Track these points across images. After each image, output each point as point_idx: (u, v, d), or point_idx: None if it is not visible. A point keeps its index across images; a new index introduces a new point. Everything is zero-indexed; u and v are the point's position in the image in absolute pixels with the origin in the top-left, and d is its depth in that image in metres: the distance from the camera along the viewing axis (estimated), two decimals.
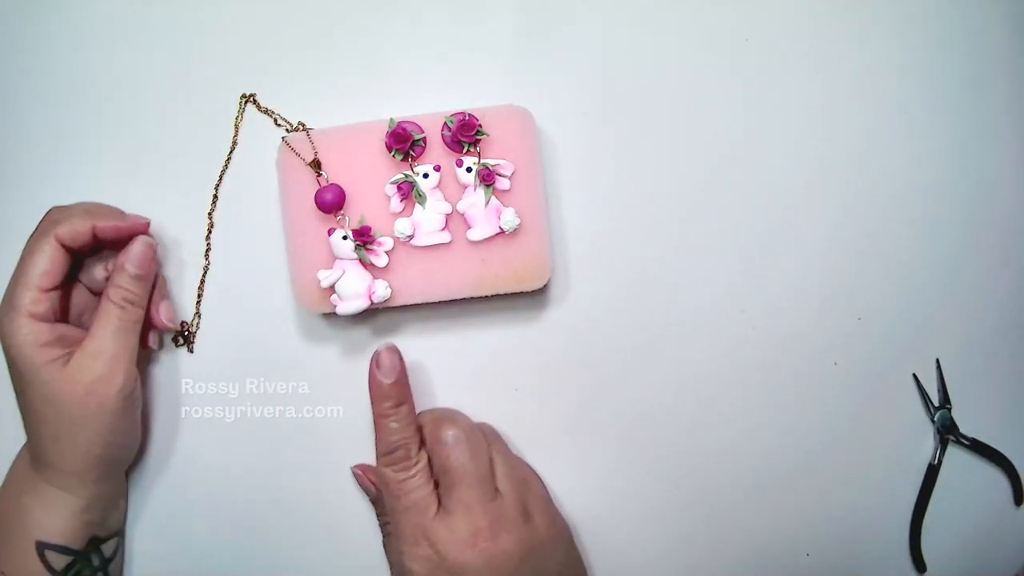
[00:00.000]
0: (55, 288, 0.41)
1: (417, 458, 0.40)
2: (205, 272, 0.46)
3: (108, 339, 0.41)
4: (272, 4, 0.47)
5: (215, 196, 0.46)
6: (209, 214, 0.46)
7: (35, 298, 0.40)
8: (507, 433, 0.45)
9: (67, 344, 0.41)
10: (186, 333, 0.46)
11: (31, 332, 0.40)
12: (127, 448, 0.43)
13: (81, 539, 0.42)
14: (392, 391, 0.41)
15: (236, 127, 0.46)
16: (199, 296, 0.46)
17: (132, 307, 0.42)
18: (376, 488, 0.44)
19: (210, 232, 0.46)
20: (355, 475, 0.45)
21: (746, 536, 0.46)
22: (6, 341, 0.40)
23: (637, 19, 0.46)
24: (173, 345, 0.46)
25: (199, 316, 0.46)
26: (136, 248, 0.42)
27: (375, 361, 0.41)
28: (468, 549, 0.38)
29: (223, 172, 0.46)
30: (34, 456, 0.42)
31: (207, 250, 0.46)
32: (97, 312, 0.41)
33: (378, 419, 0.41)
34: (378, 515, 0.44)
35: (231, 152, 0.46)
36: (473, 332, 0.46)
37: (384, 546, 0.44)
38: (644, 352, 0.46)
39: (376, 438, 0.41)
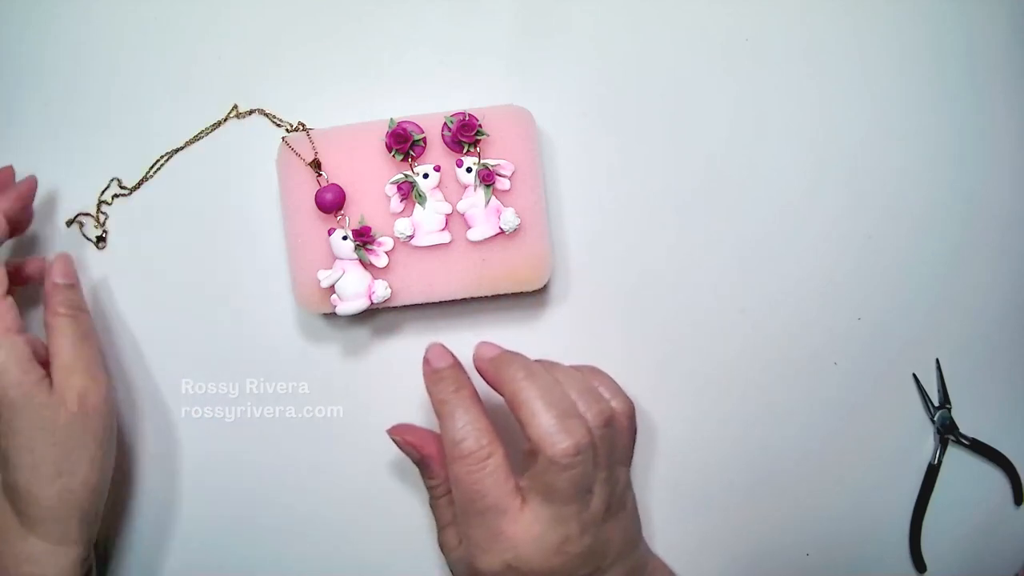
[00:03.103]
0: (8, 292, 0.40)
1: (490, 450, 0.36)
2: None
3: (74, 349, 0.39)
4: (273, 4, 0.47)
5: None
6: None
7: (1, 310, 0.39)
8: (507, 432, 0.45)
9: (41, 357, 0.39)
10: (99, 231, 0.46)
11: (14, 348, 0.37)
12: (111, 469, 0.42)
13: None
14: (449, 374, 0.37)
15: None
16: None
17: (81, 313, 0.41)
18: (419, 451, 0.40)
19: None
20: (394, 440, 0.41)
21: (746, 536, 0.46)
22: None
23: (637, 19, 0.46)
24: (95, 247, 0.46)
25: None
26: (58, 263, 0.41)
27: (426, 358, 0.38)
28: (554, 556, 0.35)
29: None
30: (23, 510, 0.38)
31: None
32: (49, 329, 0.40)
33: (439, 407, 0.37)
34: (425, 478, 0.41)
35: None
36: (473, 332, 0.46)
37: (432, 507, 0.41)
38: (643, 352, 0.46)
39: (441, 431, 0.37)
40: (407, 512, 0.46)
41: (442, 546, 0.41)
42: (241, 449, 0.46)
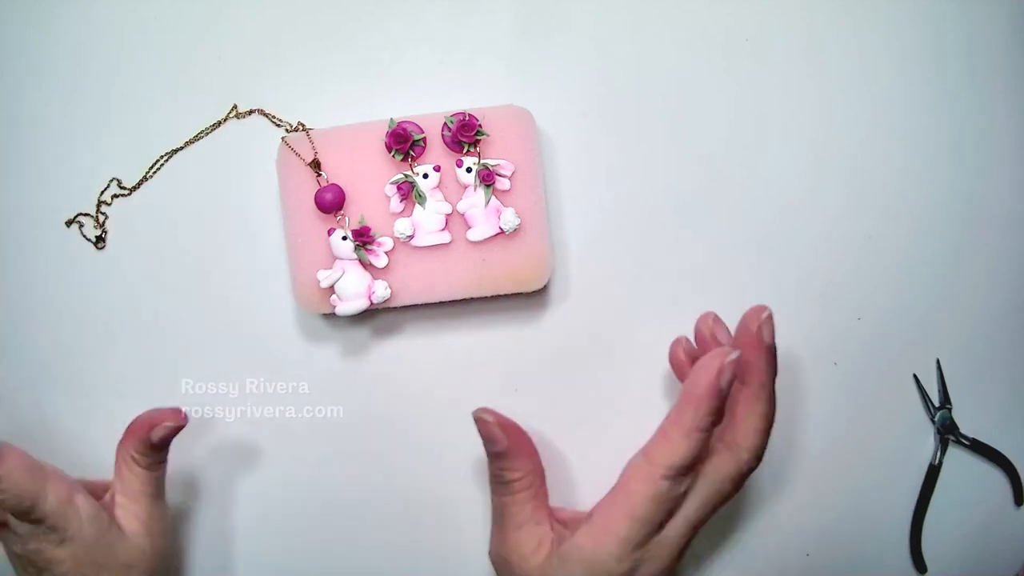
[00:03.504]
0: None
1: (693, 475, 0.35)
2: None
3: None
4: (273, 4, 0.47)
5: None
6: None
7: None
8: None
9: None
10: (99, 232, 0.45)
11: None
12: None
13: None
14: (722, 405, 0.34)
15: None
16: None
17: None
18: (509, 439, 0.37)
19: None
20: (483, 420, 0.37)
21: (746, 536, 0.46)
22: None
23: (637, 19, 0.46)
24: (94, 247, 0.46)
25: None
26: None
27: (717, 368, 0.34)
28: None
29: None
30: None
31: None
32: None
33: (690, 431, 0.34)
34: (506, 470, 0.38)
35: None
36: (473, 332, 0.46)
37: (503, 504, 0.38)
38: (644, 352, 0.46)
39: (669, 447, 0.35)
40: (407, 512, 0.46)
41: (509, 547, 0.38)
42: (241, 449, 0.46)
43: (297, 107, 0.46)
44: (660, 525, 0.36)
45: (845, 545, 0.46)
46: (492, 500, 0.39)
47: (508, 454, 0.38)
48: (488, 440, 0.38)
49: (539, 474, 0.39)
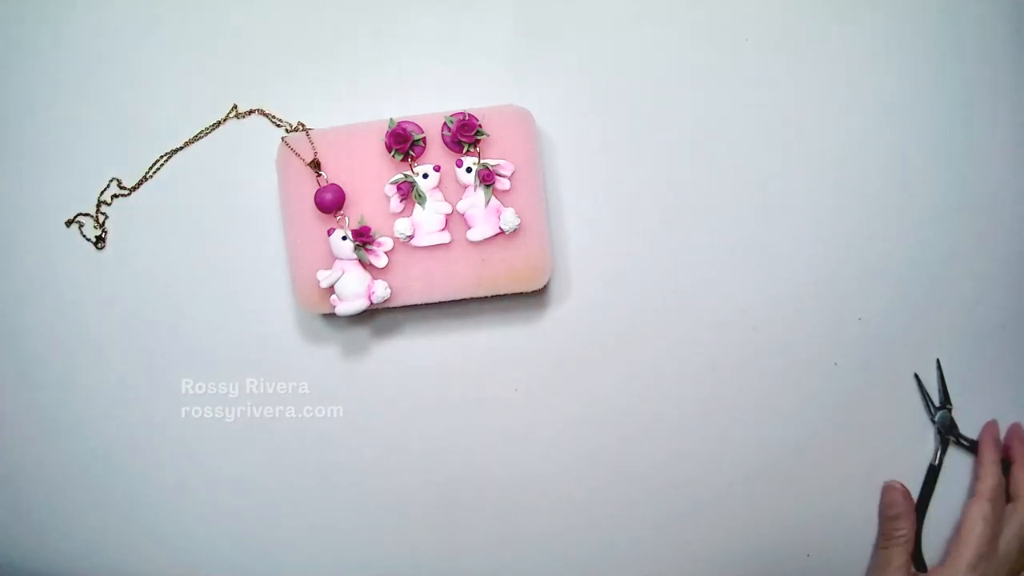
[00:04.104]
0: None
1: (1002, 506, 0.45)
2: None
3: None
4: (273, 5, 0.47)
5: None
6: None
7: None
8: (506, 433, 0.46)
9: None
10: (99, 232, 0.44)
11: None
12: None
13: None
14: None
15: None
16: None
17: None
18: (906, 505, 0.45)
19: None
20: (894, 488, 0.45)
21: (747, 537, 0.46)
22: None
23: (637, 20, 0.46)
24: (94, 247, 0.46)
25: None
26: None
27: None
28: None
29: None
30: None
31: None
32: None
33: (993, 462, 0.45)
34: (895, 529, 0.44)
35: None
36: (473, 332, 0.46)
37: (886, 550, 0.44)
38: (644, 353, 0.46)
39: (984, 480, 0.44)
40: (405, 512, 0.46)
41: None
42: (241, 449, 0.46)
43: (297, 107, 0.46)
44: (994, 547, 0.43)
45: (845, 545, 0.46)
46: (876, 551, 0.45)
47: (902, 516, 0.45)
48: (891, 505, 0.45)
49: (915, 530, 0.45)
